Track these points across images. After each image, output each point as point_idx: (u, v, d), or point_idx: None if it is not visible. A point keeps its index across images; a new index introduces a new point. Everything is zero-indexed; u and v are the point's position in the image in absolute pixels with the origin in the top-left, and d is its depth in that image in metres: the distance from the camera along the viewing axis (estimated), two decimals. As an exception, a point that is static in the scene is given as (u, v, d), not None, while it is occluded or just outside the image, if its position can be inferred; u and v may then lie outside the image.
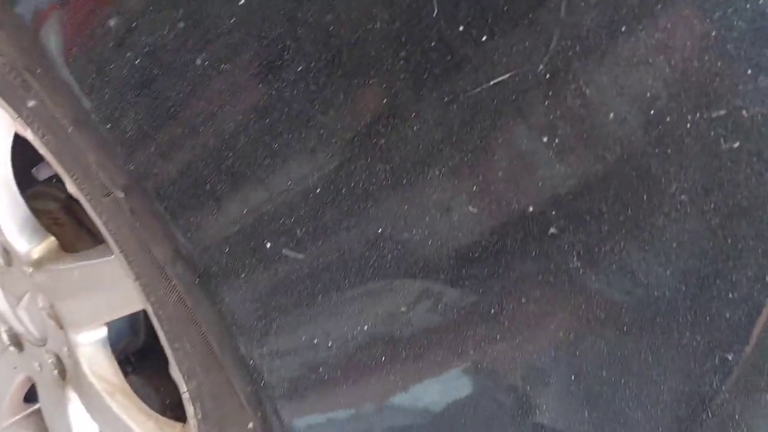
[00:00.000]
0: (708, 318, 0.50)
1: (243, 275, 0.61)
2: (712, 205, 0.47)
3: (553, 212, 0.50)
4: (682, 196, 0.47)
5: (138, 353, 1.11)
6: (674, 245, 0.49)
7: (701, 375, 0.52)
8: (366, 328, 0.60)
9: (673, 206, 0.47)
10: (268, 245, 0.60)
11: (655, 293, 0.51)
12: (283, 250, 0.60)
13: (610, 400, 0.56)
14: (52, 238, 0.97)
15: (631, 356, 0.54)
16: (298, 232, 0.58)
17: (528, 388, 0.59)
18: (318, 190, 0.57)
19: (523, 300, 0.55)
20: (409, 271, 0.57)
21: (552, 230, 0.51)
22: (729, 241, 0.47)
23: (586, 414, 0.58)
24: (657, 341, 0.53)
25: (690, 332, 0.51)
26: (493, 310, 0.57)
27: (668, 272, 0.50)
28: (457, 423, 0.62)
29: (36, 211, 1.01)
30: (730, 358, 0.51)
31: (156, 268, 0.72)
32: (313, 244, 0.59)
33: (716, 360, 0.51)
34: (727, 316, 0.50)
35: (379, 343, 0.61)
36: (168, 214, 0.60)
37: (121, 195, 0.64)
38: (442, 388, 0.64)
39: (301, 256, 0.59)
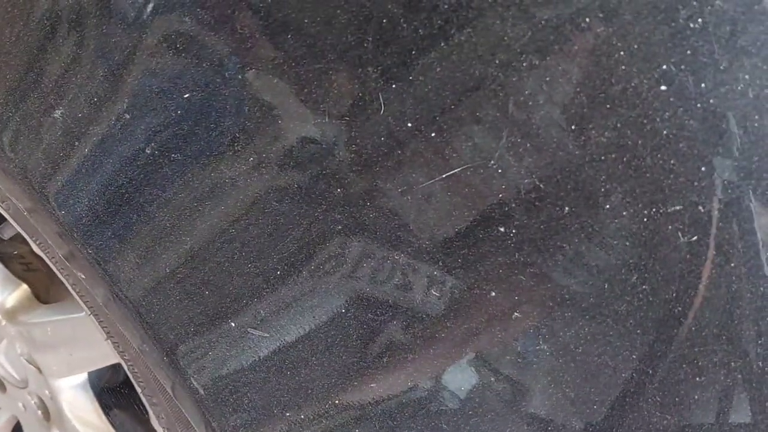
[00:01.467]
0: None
1: (210, 354, 0.61)
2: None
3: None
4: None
5: (120, 387, 1.11)
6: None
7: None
8: (337, 401, 0.60)
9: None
10: (233, 324, 0.59)
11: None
12: (249, 329, 0.59)
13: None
14: (25, 286, 0.96)
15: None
16: (262, 312, 0.58)
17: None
18: (278, 272, 0.56)
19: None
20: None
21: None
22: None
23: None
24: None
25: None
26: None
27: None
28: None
29: (6, 257, 1.00)
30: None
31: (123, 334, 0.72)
32: (277, 322, 0.58)
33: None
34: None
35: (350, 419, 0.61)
36: (130, 300, 0.59)
37: (81, 276, 0.63)
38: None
39: (266, 334, 0.59)
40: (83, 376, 0.97)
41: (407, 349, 0.57)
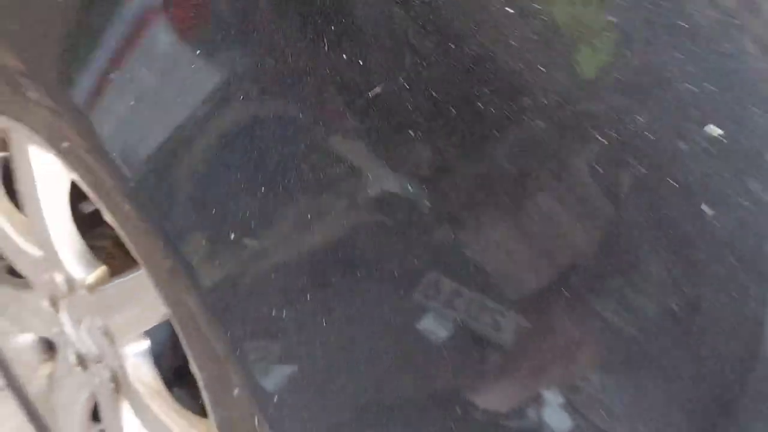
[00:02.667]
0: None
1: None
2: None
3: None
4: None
5: (179, 369, 1.27)
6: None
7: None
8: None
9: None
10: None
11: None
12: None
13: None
14: (104, 266, 1.16)
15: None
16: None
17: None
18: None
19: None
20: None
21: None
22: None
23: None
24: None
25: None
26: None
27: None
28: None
29: (93, 248, 1.21)
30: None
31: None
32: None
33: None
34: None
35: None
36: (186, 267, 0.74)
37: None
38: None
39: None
40: (146, 344, 1.15)
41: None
